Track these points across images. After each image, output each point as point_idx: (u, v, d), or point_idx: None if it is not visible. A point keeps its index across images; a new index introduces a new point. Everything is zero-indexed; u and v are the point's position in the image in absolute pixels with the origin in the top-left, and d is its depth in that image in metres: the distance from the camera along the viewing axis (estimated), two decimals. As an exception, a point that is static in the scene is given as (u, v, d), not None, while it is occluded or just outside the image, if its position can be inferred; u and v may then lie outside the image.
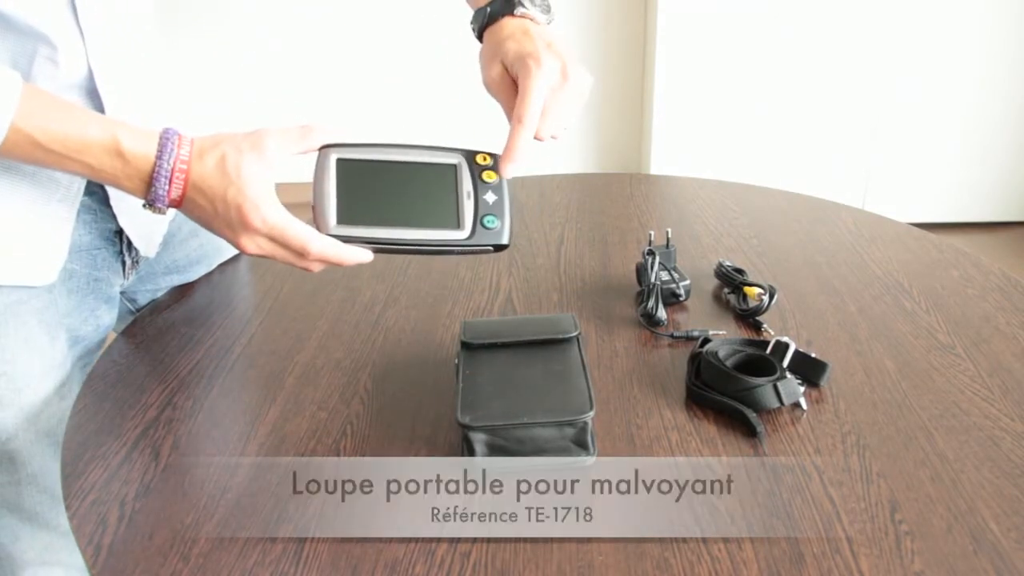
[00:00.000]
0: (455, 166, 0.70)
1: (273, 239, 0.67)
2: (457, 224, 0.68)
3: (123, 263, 0.88)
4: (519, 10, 0.73)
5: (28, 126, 0.63)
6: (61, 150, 0.64)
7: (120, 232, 0.85)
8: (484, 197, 0.69)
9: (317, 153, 0.69)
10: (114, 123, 0.66)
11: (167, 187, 0.66)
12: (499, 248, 0.69)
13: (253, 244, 0.67)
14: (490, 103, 0.74)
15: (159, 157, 0.65)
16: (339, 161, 0.69)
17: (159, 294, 0.97)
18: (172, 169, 0.65)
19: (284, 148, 0.67)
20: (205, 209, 0.67)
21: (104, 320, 0.87)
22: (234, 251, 1.04)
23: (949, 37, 2.58)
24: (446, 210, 0.69)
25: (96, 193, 0.80)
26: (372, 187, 0.69)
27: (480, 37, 0.76)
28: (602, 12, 2.96)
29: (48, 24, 0.69)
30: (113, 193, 0.81)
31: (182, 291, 0.96)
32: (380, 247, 0.68)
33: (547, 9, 0.76)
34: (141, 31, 0.82)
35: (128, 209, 0.83)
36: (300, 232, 0.66)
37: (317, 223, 0.68)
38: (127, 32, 0.78)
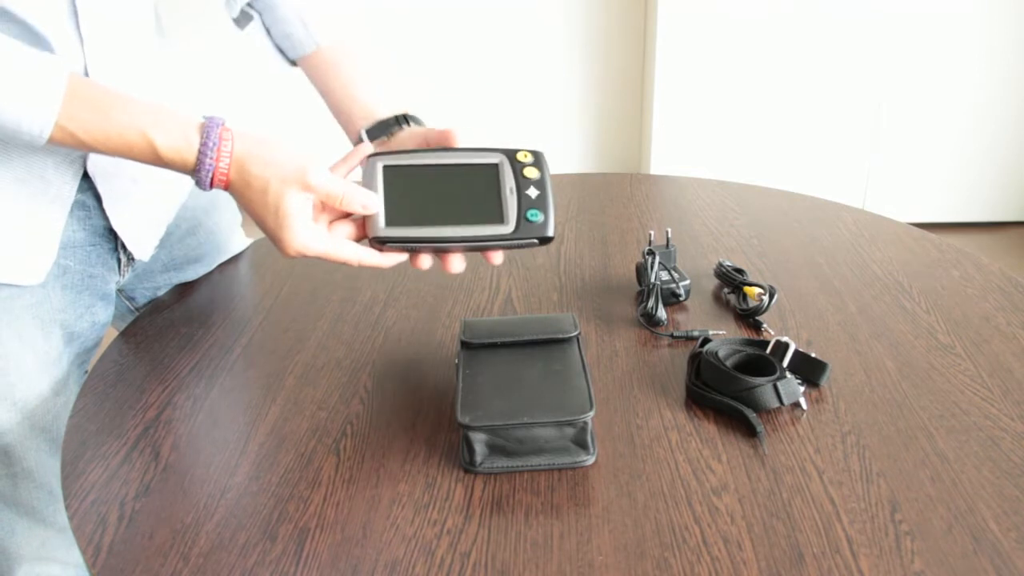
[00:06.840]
0: (496, 165, 0.73)
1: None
2: (501, 219, 0.71)
3: (118, 260, 0.87)
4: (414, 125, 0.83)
5: (70, 126, 0.65)
6: (103, 149, 0.67)
7: (114, 229, 0.85)
8: (527, 192, 0.72)
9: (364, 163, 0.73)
10: (149, 122, 0.67)
11: (210, 179, 0.69)
12: (544, 241, 0.71)
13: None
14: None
15: (201, 155, 0.68)
16: (385, 168, 0.72)
17: (158, 292, 0.97)
18: (214, 173, 0.68)
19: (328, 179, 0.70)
20: (252, 202, 0.70)
21: (100, 317, 0.87)
22: (233, 251, 1.04)
23: (949, 37, 2.58)
24: (490, 206, 0.71)
25: (90, 190, 0.80)
26: (417, 189, 0.71)
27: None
28: (602, 12, 2.96)
29: (49, 27, 0.69)
30: (106, 194, 0.81)
31: (182, 290, 0.96)
32: (428, 246, 0.71)
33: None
34: (142, 39, 0.82)
35: (121, 211, 0.83)
36: (339, 255, 0.70)
37: (367, 227, 0.71)
38: (128, 40, 0.78)
